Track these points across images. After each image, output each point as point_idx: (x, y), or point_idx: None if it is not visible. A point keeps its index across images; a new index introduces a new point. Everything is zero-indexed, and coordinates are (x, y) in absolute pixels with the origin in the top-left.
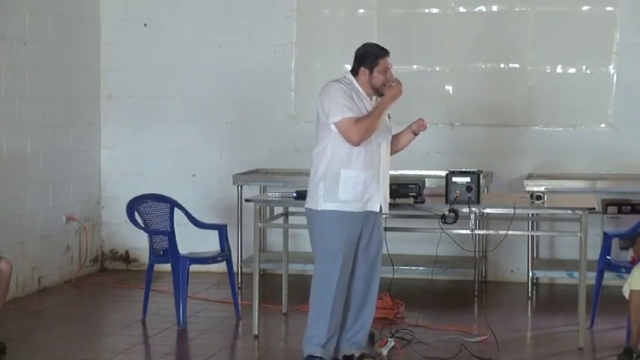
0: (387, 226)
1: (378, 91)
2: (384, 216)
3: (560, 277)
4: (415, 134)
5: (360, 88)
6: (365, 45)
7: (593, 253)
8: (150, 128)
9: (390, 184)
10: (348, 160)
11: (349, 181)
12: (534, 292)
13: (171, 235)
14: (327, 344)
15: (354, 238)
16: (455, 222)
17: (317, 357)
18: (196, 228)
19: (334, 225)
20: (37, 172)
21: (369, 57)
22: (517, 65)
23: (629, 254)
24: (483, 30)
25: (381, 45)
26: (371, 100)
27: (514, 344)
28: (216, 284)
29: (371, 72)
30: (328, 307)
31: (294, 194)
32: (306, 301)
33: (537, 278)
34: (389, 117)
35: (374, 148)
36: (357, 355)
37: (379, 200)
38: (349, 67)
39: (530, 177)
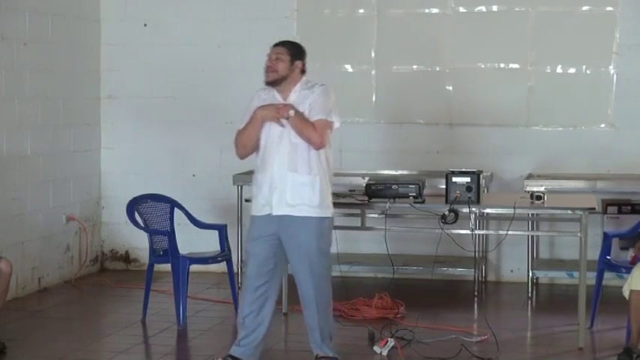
0: (388, 226)
1: None
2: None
3: (560, 277)
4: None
5: (275, 90)
6: None
7: (593, 253)
8: (150, 128)
9: (390, 184)
10: (256, 164)
11: (254, 185)
12: (534, 292)
13: (171, 235)
14: (242, 341)
15: (262, 238)
16: (455, 222)
17: (227, 355)
18: (196, 228)
19: (250, 225)
20: (37, 172)
21: None
22: (517, 65)
23: (629, 254)
24: (483, 30)
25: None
26: (286, 98)
27: (514, 344)
28: (216, 284)
29: None
30: (240, 305)
31: None
32: None
33: (537, 278)
34: (292, 114)
35: (270, 150)
36: (314, 354)
37: (272, 203)
38: (349, 67)
39: (530, 177)
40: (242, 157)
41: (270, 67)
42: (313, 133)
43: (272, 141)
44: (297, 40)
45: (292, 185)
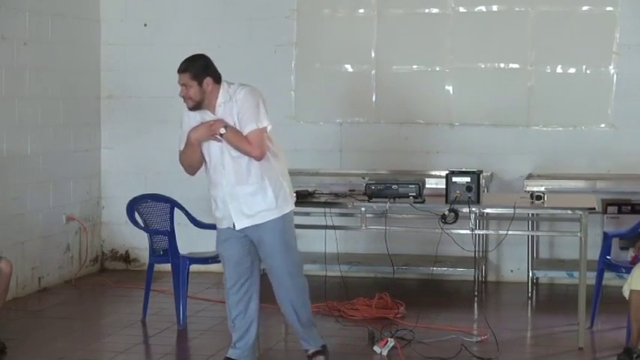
0: (388, 226)
1: None
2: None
3: (560, 277)
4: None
5: None
6: None
7: (593, 253)
8: (150, 128)
9: (390, 184)
10: (207, 179)
11: (211, 199)
12: (534, 292)
13: (171, 235)
14: (237, 343)
15: (236, 240)
16: (455, 222)
17: (226, 357)
18: (196, 228)
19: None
20: (37, 172)
21: None
22: (517, 65)
23: (629, 254)
24: (483, 30)
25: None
26: (214, 111)
27: (514, 344)
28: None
29: None
30: (228, 308)
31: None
32: None
33: (537, 278)
34: (223, 132)
35: (216, 167)
36: (307, 351)
37: (231, 217)
38: (349, 67)
39: (530, 177)
40: (192, 174)
41: (184, 97)
42: (249, 147)
43: (215, 157)
44: (297, 40)
45: (244, 198)
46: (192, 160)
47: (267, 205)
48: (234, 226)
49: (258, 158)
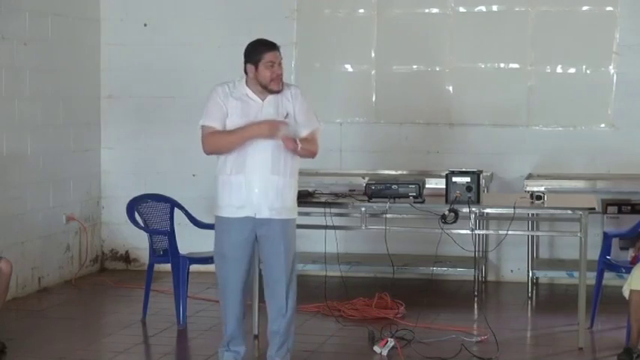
0: (388, 226)
1: (266, 88)
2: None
3: (560, 277)
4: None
5: (248, 90)
6: (252, 41)
7: (593, 253)
8: (150, 128)
9: (390, 184)
10: (222, 164)
11: (223, 186)
12: (534, 292)
13: (171, 235)
14: (230, 344)
15: (242, 242)
16: (455, 222)
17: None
18: (196, 228)
19: (219, 229)
20: (37, 172)
21: (253, 53)
22: (517, 65)
23: (629, 254)
24: (483, 30)
25: (273, 41)
26: (263, 99)
27: (514, 344)
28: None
29: (256, 68)
30: (224, 308)
31: None
32: (306, 301)
33: (537, 278)
34: (299, 147)
35: (253, 152)
36: None
37: (253, 206)
38: (349, 67)
39: (530, 177)
40: (209, 154)
41: (280, 75)
42: (315, 147)
43: (253, 144)
44: (297, 40)
45: (274, 189)
46: (228, 148)
47: (289, 204)
48: (254, 215)
49: (315, 155)
